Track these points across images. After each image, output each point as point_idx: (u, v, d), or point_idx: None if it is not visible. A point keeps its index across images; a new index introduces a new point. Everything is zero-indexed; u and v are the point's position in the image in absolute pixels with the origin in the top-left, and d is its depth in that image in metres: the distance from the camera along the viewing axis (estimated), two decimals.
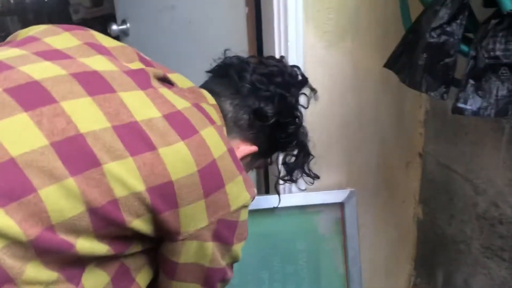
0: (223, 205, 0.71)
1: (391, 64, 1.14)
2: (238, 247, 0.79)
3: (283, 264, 1.51)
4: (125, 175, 0.61)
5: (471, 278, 1.42)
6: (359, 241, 1.48)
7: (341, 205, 1.49)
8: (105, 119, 0.63)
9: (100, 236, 0.63)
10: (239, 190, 0.74)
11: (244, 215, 0.76)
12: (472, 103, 0.96)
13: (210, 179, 0.69)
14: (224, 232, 0.74)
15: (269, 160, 1.04)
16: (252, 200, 0.77)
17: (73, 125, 0.60)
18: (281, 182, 1.03)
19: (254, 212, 1.50)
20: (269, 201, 1.45)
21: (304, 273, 1.51)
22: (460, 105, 0.96)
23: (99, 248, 0.63)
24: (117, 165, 0.61)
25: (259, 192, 1.89)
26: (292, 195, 1.46)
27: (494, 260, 1.29)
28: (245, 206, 0.75)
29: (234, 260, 0.81)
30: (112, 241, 0.65)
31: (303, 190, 1.26)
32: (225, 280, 0.81)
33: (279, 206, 1.44)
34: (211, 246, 0.73)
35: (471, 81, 0.95)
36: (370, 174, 1.62)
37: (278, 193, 1.07)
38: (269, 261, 1.50)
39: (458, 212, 1.44)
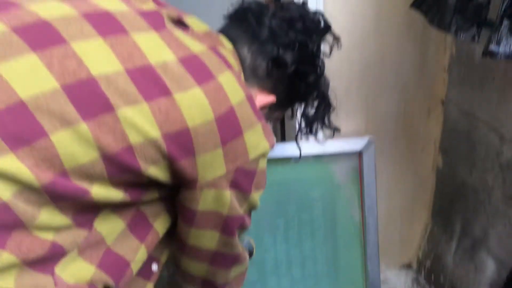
0: (241, 153, 0.68)
1: (418, 3, 1.06)
2: (256, 196, 0.77)
3: (299, 212, 1.50)
4: (139, 121, 0.58)
5: (490, 227, 1.40)
6: (377, 190, 1.46)
7: (359, 154, 1.46)
8: (118, 61, 0.59)
9: (115, 182, 0.61)
10: (257, 139, 0.70)
11: (262, 163, 0.74)
12: (506, 46, 0.89)
13: (228, 127, 0.66)
14: (242, 180, 0.71)
15: (290, 113, 1.00)
16: (271, 149, 0.74)
17: (84, 67, 0.57)
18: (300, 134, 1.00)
19: (270, 161, 1.48)
20: (286, 149, 1.43)
21: (320, 221, 1.51)
22: (493, 47, 0.90)
23: (115, 194, 0.61)
24: (132, 110, 0.58)
25: (275, 140, 1.87)
26: (309, 144, 1.43)
27: None
28: (263, 155, 0.73)
29: (252, 208, 0.79)
30: (128, 187, 0.63)
31: (323, 143, 1.21)
32: (243, 227, 0.80)
33: (295, 155, 1.43)
34: (229, 195, 0.71)
35: (506, 22, 0.89)
36: (390, 121, 1.57)
37: (299, 147, 1.03)
38: (284, 209, 1.50)
39: (480, 161, 1.40)
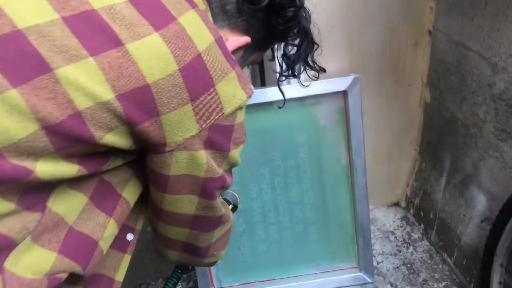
0: (214, 108, 0.59)
1: None
2: (236, 152, 0.68)
3: (284, 159, 1.44)
4: (86, 81, 0.48)
5: (481, 161, 1.35)
6: (363, 130, 1.40)
7: (344, 94, 1.38)
8: (51, 8, 0.48)
9: (67, 155, 0.51)
10: (233, 89, 0.61)
11: (240, 117, 0.64)
12: None
13: (196, 79, 0.56)
14: (218, 138, 0.62)
15: (270, 55, 0.90)
16: (249, 99, 0.65)
17: (6, 19, 0.46)
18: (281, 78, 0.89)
19: (250, 107, 1.41)
20: (266, 94, 1.33)
21: (306, 166, 1.45)
22: None
23: (67, 169, 0.52)
24: (74, 69, 0.48)
25: (254, 85, 1.77)
26: (291, 87, 1.34)
27: (508, 143, 1.22)
28: (241, 107, 0.63)
29: (232, 165, 0.71)
30: (84, 159, 0.54)
31: (306, 86, 1.11)
32: (224, 187, 0.72)
33: (277, 99, 1.34)
34: (204, 155, 0.62)
35: None
36: (375, 58, 1.48)
37: (282, 92, 0.93)
38: (268, 156, 1.43)
39: (471, 94, 1.34)
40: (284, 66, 0.83)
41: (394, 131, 1.66)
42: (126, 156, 0.61)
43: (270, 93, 1.33)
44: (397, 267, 1.59)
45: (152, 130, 0.55)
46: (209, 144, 0.62)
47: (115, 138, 0.53)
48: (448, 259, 1.55)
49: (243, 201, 1.47)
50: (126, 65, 0.50)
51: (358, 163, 1.42)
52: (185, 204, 0.68)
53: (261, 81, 1.60)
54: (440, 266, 1.57)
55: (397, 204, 1.85)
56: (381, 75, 1.51)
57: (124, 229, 0.69)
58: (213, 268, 1.53)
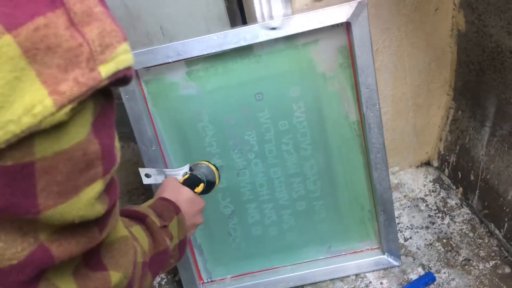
0: None
1: None
2: (68, 206, 0.36)
3: (274, 120, 1.11)
4: None
5: None
6: (376, 74, 1.04)
7: (346, 26, 1.02)
8: None
9: None
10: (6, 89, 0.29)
11: (50, 142, 0.32)
12: None
13: None
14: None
15: None
16: (60, 109, 0.31)
17: None
18: None
19: (224, 56, 1.06)
20: (242, 35, 0.99)
21: (304, 127, 1.12)
22: None
23: None
24: None
25: (233, 24, 1.40)
26: (273, 22, 0.99)
27: None
28: (43, 129, 0.31)
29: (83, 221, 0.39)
30: None
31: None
32: (53, 266, 0.40)
33: (256, 42, 1.00)
34: None
35: None
36: None
37: None
38: (254, 118, 1.10)
39: None
40: None
41: (419, 71, 1.29)
42: None
43: (248, 33, 0.98)
44: (430, 244, 1.26)
45: None
46: None
47: None
48: (496, 231, 1.21)
49: (227, 176, 1.16)
50: None
51: (372, 118, 1.07)
52: None
53: (242, 20, 1.25)
54: (486, 240, 1.23)
55: (427, 164, 1.50)
56: None
57: None
58: (199, 259, 1.25)
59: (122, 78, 0.34)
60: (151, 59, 1.00)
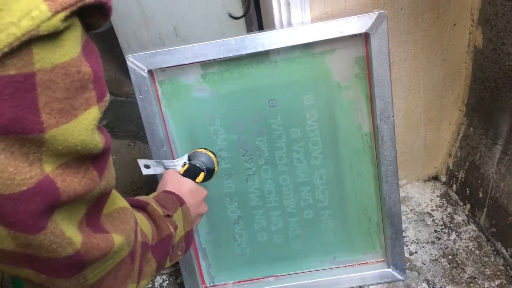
0: None
1: None
2: (69, 127, 0.37)
3: (286, 127, 1.10)
4: None
5: None
6: (391, 85, 1.04)
7: (365, 37, 1.02)
8: None
9: None
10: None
11: (48, 53, 0.34)
12: None
13: None
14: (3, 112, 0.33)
15: None
16: (66, 13, 0.34)
17: None
18: None
19: (239, 60, 1.05)
20: (259, 41, 0.98)
21: (316, 136, 1.11)
22: None
23: None
24: None
25: (250, 30, 1.40)
26: (292, 30, 0.99)
27: None
28: (40, 36, 0.33)
29: (78, 152, 0.40)
30: None
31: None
32: (61, 202, 0.40)
33: (273, 48, 0.99)
34: None
35: None
36: None
37: None
38: (266, 124, 1.09)
39: None
40: None
41: (433, 85, 1.28)
42: None
43: (266, 39, 0.98)
44: (436, 259, 1.26)
45: None
46: None
47: None
48: (503, 250, 1.20)
49: (236, 181, 1.15)
50: None
51: (386, 130, 1.07)
52: None
53: (258, 24, 1.24)
54: (492, 259, 1.22)
55: (435, 178, 1.49)
56: (415, 10, 1.13)
57: None
58: (203, 264, 1.24)
59: (103, 4, 0.36)
60: (167, 60, 0.99)
